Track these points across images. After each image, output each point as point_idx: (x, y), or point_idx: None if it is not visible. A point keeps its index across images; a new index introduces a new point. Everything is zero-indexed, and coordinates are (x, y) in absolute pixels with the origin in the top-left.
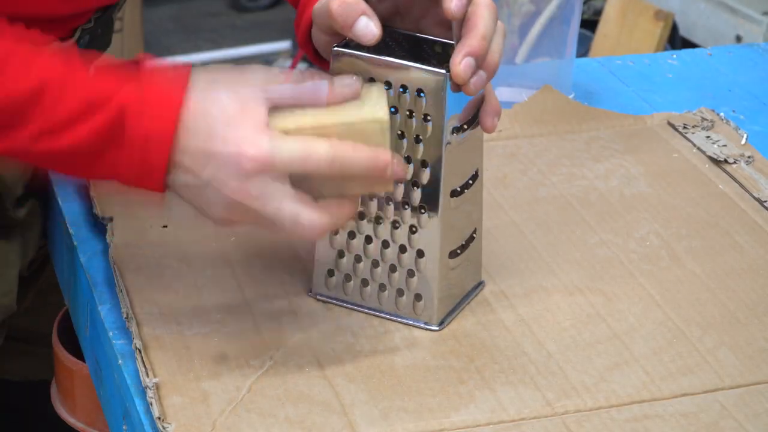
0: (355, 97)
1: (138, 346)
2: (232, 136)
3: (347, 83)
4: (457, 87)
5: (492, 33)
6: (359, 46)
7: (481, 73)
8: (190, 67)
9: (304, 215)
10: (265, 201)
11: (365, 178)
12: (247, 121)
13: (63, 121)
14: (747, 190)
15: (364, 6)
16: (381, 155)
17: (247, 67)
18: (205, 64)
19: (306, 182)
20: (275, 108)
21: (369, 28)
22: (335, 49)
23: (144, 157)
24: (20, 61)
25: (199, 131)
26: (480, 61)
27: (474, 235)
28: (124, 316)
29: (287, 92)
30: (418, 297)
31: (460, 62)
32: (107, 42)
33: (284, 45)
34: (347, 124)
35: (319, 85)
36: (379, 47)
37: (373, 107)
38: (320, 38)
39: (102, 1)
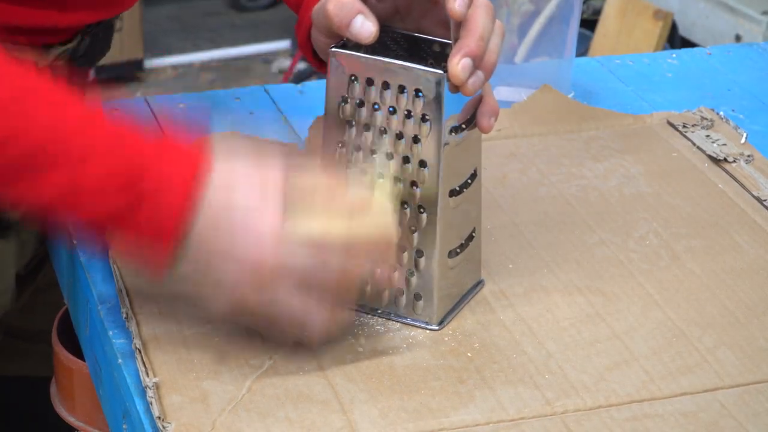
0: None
1: (138, 345)
2: (251, 241)
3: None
4: (455, 88)
5: (489, 33)
6: (357, 46)
7: (479, 74)
8: (209, 152)
9: (311, 319)
10: (273, 305)
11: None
12: (268, 223)
13: (85, 187)
14: (746, 189)
15: (360, 5)
16: (389, 257)
17: (265, 143)
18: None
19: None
20: (288, 199)
21: (365, 26)
22: (332, 49)
23: (154, 239)
24: (50, 118)
25: (218, 230)
26: (477, 62)
27: (473, 234)
28: (124, 315)
29: (304, 187)
30: (417, 296)
31: (458, 63)
32: (107, 44)
33: (283, 45)
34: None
35: (336, 186)
36: (377, 47)
37: (384, 217)
38: (319, 40)
39: (100, 15)
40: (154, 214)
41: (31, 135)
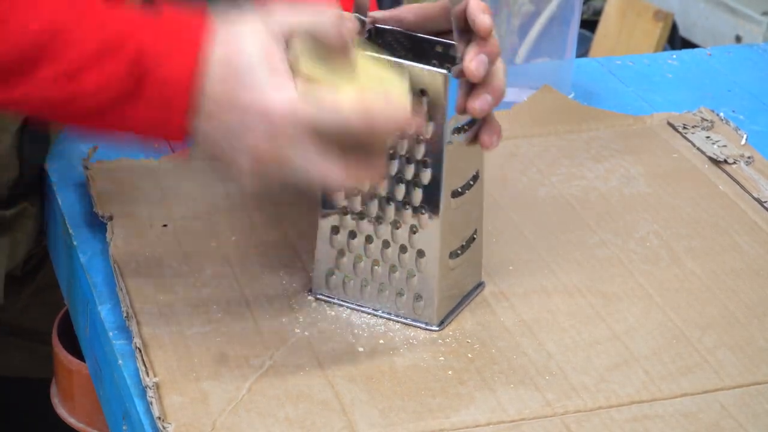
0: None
1: (138, 345)
2: (258, 84)
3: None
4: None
5: (499, 51)
6: (361, 47)
7: (488, 97)
8: (208, 9)
9: (332, 171)
10: (293, 152)
11: (383, 135)
12: (273, 67)
13: (77, 65)
14: (747, 191)
15: (341, 11)
16: (404, 110)
17: (269, 5)
18: None
19: (325, 136)
20: (300, 47)
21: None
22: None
23: (163, 103)
24: (28, 4)
25: (224, 76)
26: (492, 58)
27: (474, 235)
28: (124, 315)
29: (308, 27)
30: (418, 297)
31: (472, 59)
32: None
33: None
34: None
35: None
36: (381, 47)
37: (394, 77)
38: None
39: None
40: (160, 74)
41: (13, 23)
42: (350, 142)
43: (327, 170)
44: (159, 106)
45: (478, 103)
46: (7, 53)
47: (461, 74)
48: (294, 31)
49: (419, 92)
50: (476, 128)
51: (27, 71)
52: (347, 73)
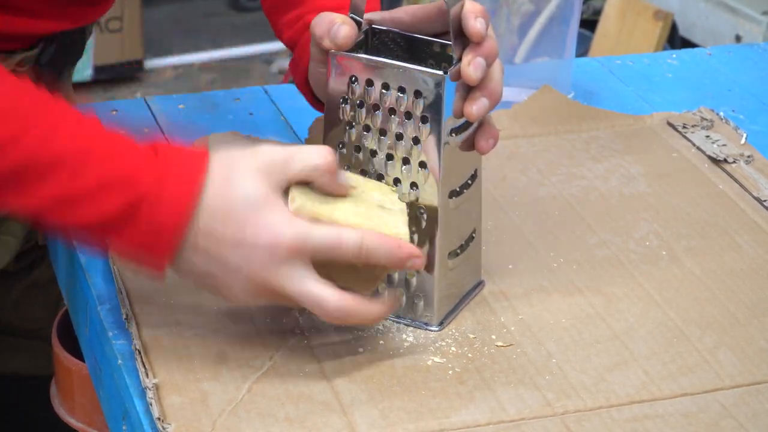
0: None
1: (138, 346)
2: (263, 223)
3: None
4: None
5: (497, 53)
6: (357, 48)
7: (484, 101)
8: (206, 149)
9: (330, 300)
10: (292, 283)
11: (382, 266)
12: (275, 207)
13: (78, 196)
14: (746, 190)
15: (339, 14)
16: (404, 246)
17: (262, 142)
18: (205, 63)
19: (323, 268)
20: (298, 189)
21: (341, 30)
22: (332, 52)
23: (152, 248)
24: (44, 128)
25: (224, 218)
26: (490, 61)
27: (473, 235)
28: (124, 316)
29: (302, 164)
30: (417, 297)
31: (470, 63)
32: (78, 51)
33: (284, 45)
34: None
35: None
36: (377, 49)
37: (396, 217)
38: (318, 72)
39: (66, 25)
40: (152, 216)
41: (23, 144)
42: (335, 273)
43: (324, 299)
44: (147, 246)
45: (475, 107)
46: (11, 171)
47: (458, 77)
48: (289, 178)
49: (415, 94)
50: (472, 132)
51: (28, 185)
52: (346, 207)
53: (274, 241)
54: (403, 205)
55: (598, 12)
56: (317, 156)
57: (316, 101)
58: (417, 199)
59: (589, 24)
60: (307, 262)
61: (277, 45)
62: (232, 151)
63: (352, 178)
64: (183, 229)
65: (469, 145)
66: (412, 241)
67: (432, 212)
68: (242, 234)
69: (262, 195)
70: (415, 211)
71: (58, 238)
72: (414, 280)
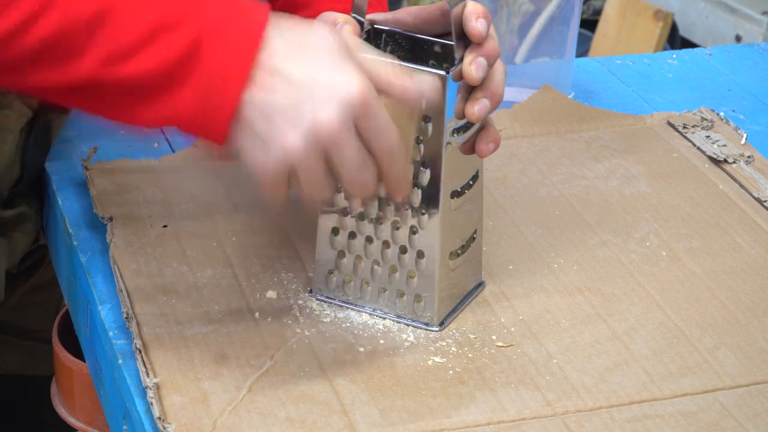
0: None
1: (138, 346)
2: (339, 62)
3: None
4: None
5: (498, 53)
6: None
7: (486, 102)
8: (268, 5)
9: (369, 165)
10: (348, 139)
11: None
12: (350, 58)
13: (130, 46)
14: (747, 190)
15: (339, 14)
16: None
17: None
18: None
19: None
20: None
21: (342, 29)
22: None
23: (212, 99)
24: None
25: (296, 53)
26: (492, 61)
27: (474, 235)
28: (125, 316)
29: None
30: (418, 298)
31: (471, 62)
32: None
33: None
34: None
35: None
36: (380, 48)
37: None
38: None
39: None
40: (216, 56)
41: (58, 4)
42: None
43: (365, 162)
44: (205, 100)
45: (476, 108)
46: (51, 38)
47: (460, 77)
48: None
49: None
50: (474, 135)
51: (72, 55)
52: None
53: (348, 82)
54: None
55: (598, 12)
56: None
57: None
58: (418, 199)
59: (589, 24)
60: (354, 132)
61: None
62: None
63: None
64: (243, 84)
65: (470, 148)
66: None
67: (433, 212)
68: (315, 69)
69: (339, 44)
70: (415, 211)
71: (101, 119)
72: (415, 280)
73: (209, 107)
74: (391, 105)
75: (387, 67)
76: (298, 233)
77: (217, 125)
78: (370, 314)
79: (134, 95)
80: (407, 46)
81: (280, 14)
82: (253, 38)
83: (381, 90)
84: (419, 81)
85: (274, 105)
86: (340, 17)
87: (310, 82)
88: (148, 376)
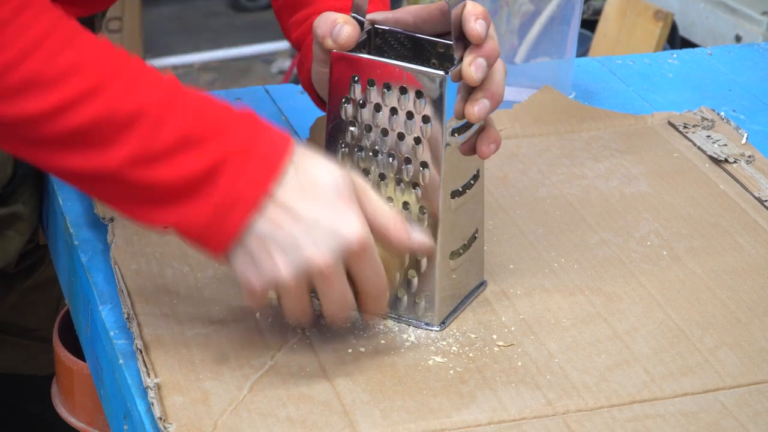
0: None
1: (139, 346)
2: (344, 206)
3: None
4: (462, 108)
5: (498, 53)
6: (360, 48)
7: (486, 102)
8: (290, 136)
9: (351, 302)
10: (336, 279)
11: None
12: (353, 202)
13: (159, 151)
14: (747, 190)
15: (341, 15)
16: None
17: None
18: (205, 63)
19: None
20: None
21: (343, 30)
22: (335, 51)
23: (222, 218)
24: (127, 77)
25: (306, 192)
26: (491, 62)
27: (476, 235)
28: (125, 316)
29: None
30: (419, 297)
31: (471, 63)
32: None
33: (284, 45)
34: None
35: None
36: (380, 48)
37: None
38: (321, 72)
39: (76, 13)
40: (235, 181)
41: (104, 94)
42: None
43: (350, 300)
44: (214, 219)
45: (476, 108)
46: (91, 123)
47: (459, 77)
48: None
49: (417, 94)
50: (474, 135)
51: (104, 147)
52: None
53: (350, 230)
54: None
55: (598, 12)
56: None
57: (320, 101)
58: (418, 199)
59: (589, 24)
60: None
61: (277, 45)
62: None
63: None
64: (261, 199)
65: (470, 148)
66: None
67: (433, 212)
68: (320, 212)
69: (348, 186)
70: (415, 211)
71: (112, 207)
72: (415, 280)
73: (216, 225)
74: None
75: (388, 214)
76: None
77: (218, 243)
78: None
79: (152, 198)
80: (409, 46)
81: (300, 144)
82: (271, 169)
83: (377, 234)
84: (416, 236)
85: (276, 239)
86: (340, 17)
87: (314, 224)
88: (149, 377)
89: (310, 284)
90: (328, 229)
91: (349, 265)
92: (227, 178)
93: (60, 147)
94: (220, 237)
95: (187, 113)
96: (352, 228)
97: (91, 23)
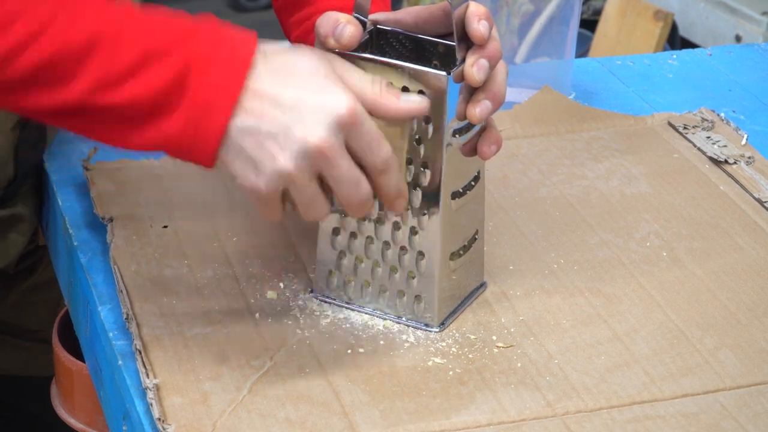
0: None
1: (138, 346)
2: (326, 83)
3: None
4: (463, 109)
5: (500, 54)
6: (362, 48)
7: (487, 103)
8: (255, 33)
9: (363, 182)
10: (340, 157)
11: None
12: (336, 79)
13: (121, 73)
14: (747, 191)
15: (343, 15)
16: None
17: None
18: None
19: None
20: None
21: (345, 30)
22: (337, 51)
23: (200, 124)
24: (71, 10)
25: (282, 77)
26: (493, 63)
27: (476, 236)
28: (125, 316)
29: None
30: (418, 298)
31: (473, 64)
32: None
33: (283, 45)
34: None
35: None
36: (382, 49)
37: None
38: None
39: None
40: (203, 84)
41: (52, 31)
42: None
43: (360, 180)
44: (194, 127)
45: (478, 109)
46: (45, 62)
47: (461, 78)
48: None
49: (419, 94)
50: (475, 136)
51: (64, 80)
52: None
53: (337, 101)
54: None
55: (598, 12)
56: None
57: None
58: (419, 200)
59: (589, 24)
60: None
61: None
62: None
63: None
64: (230, 110)
65: (472, 149)
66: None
67: (433, 213)
68: (302, 91)
69: (325, 65)
70: (416, 211)
71: (88, 137)
72: (415, 281)
73: (197, 133)
74: (382, 125)
75: (374, 86)
76: (298, 233)
77: (204, 150)
78: (371, 315)
79: (124, 121)
80: (411, 47)
81: (266, 41)
82: (240, 65)
83: (368, 109)
84: (406, 99)
85: (263, 129)
86: (342, 17)
87: (298, 104)
88: (148, 377)
89: (317, 173)
90: (315, 105)
91: (349, 142)
92: (195, 84)
93: (23, 87)
94: (203, 145)
95: (144, 30)
96: (339, 100)
97: None
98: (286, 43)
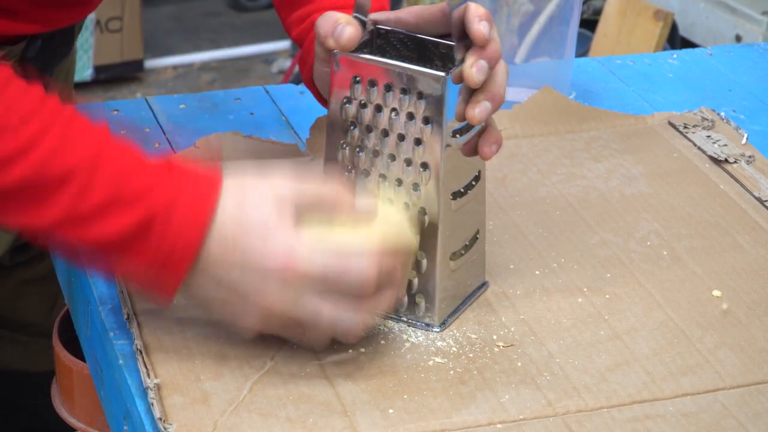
0: (370, 219)
1: (139, 346)
2: (271, 251)
3: (366, 204)
4: (463, 109)
5: (500, 55)
6: (362, 49)
7: (487, 104)
8: (220, 169)
9: (344, 317)
10: (304, 306)
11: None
12: (285, 231)
13: (88, 213)
14: (747, 190)
15: (344, 15)
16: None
17: (275, 163)
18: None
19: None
20: (304, 210)
21: (345, 31)
22: (335, 51)
23: (162, 270)
24: (54, 139)
25: (236, 245)
26: (492, 64)
27: (477, 236)
28: (125, 316)
29: (313, 196)
30: (419, 298)
31: (473, 65)
32: (64, 52)
33: (284, 45)
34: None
35: (343, 195)
36: (382, 49)
37: (401, 227)
38: (322, 71)
39: (51, 27)
40: (164, 238)
41: (33, 157)
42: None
43: (339, 317)
44: (156, 272)
45: (477, 110)
46: (26, 181)
47: (460, 79)
48: (300, 204)
49: (418, 95)
50: (475, 136)
51: (36, 205)
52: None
53: (283, 269)
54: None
55: (598, 12)
56: (330, 191)
57: (322, 98)
58: (419, 200)
59: (589, 24)
60: (318, 290)
61: (277, 45)
62: (246, 177)
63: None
64: (194, 254)
65: (472, 150)
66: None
67: (433, 213)
68: (253, 260)
69: (273, 221)
70: (417, 212)
71: (64, 257)
72: (416, 281)
73: (156, 279)
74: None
75: (331, 191)
76: None
77: (162, 294)
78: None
79: (92, 252)
80: (411, 46)
81: (232, 176)
82: (198, 218)
83: (327, 210)
84: (359, 201)
85: (217, 298)
86: (342, 17)
87: (254, 274)
88: (149, 377)
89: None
90: (249, 298)
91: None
92: (156, 233)
93: (3, 201)
94: (164, 288)
95: (114, 173)
96: (295, 258)
97: (70, 30)
98: (247, 179)
